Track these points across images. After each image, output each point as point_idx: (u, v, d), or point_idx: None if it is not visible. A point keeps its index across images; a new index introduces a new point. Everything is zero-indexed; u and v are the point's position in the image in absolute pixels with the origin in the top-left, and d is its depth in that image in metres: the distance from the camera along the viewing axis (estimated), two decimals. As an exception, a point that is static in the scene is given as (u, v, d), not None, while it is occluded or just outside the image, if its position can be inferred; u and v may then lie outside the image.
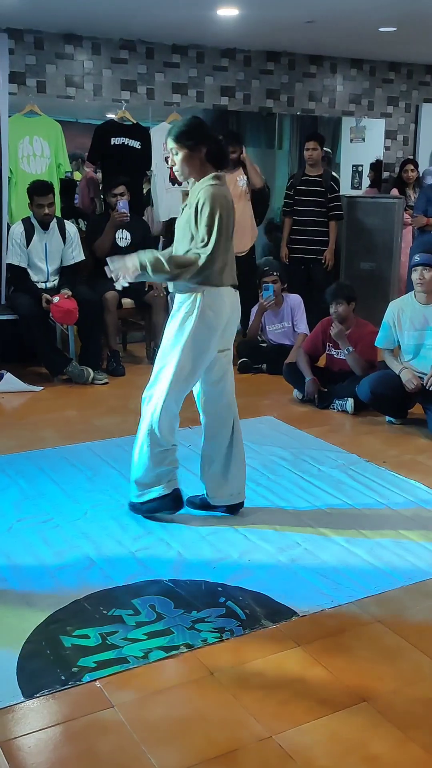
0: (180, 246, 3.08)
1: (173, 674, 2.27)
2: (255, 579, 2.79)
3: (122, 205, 5.68)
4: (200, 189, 3.01)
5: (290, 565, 2.90)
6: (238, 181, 6.41)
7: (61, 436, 4.31)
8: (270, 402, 5.10)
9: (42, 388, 5.25)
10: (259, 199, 6.69)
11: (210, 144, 3.08)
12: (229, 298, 3.12)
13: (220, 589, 2.73)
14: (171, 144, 3.09)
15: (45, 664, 2.29)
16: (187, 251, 3.03)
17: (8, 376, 5.23)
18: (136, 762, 1.93)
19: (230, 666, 2.31)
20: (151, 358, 5.99)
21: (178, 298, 3.10)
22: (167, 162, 6.35)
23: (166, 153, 6.25)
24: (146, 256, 2.96)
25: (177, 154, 3.07)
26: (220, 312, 3.06)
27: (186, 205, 3.09)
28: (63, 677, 2.23)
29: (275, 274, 5.74)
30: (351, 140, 7.32)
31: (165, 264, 2.95)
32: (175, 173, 3.16)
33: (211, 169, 3.07)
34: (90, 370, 5.36)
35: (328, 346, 5.04)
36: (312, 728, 2.04)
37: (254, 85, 6.80)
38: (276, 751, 1.96)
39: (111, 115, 6.50)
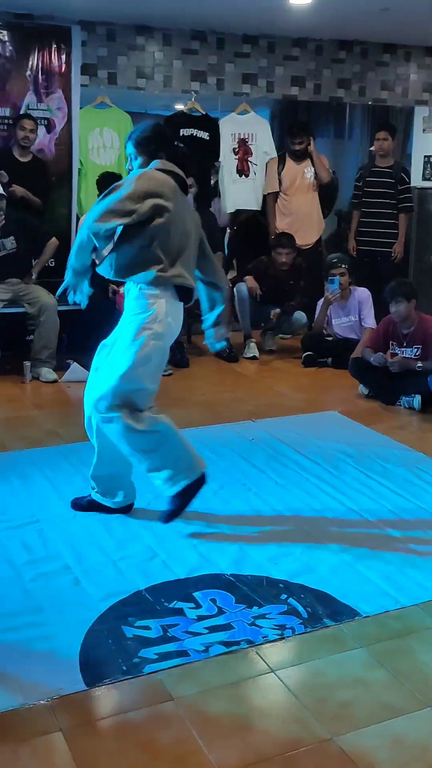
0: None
1: (234, 670, 2.26)
2: (317, 577, 2.76)
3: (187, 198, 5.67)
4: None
5: (353, 564, 2.85)
6: (305, 173, 6.34)
7: (125, 427, 4.33)
8: (335, 397, 5.04)
9: (107, 377, 5.30)
10: (327, 190, 6.61)
11: (169, 152, 3.05)
12: None
13: (281, 585, 2.70)
14: (130, 149, 3.06)
15: (107, 654, 2.30)
16: None
17: (75, 365, 5.30)
18: (194, 756, 1.92)
19: (291, 664, 2.29)
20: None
21: None
22: (235, 153, 6.42)
23: (235, 144, 6.35)
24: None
25: (136, 159, 3.04)
26: None
27: None
28: (124, 667, 2.24)
29: (343, 266, 5.65)
30: (423, 130, 7.14)
31: None
32: None
33: None
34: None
35: (392, 344, 4.93)
36: (374, 732, 2.00)
37: (325, 74, 6.69)
38: (337, 754, 1.93)
39: (180, 106, 6.50)
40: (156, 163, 2.98)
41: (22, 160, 5.47)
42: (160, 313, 2.93)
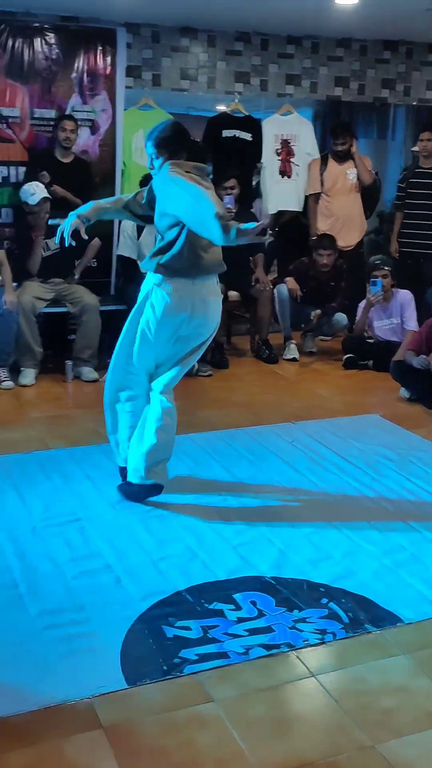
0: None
1: (274, 673, 2.25)
2: (358, 581, 2.74)
3: (228, 200, 5.68)
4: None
5: (395, 569, 2.83)
6: (347, 174, 6.29)
7: (165, 427, 4.35)
8: (376, 400, 5.00)
9: (147, 377, 5.32)
10: (369, 191, 6.55)
11: (189, 151, 3.12)
12: None
13: (322, 589, 2.69)
14: (150, 149, 3.11)
15: (148, 653, 2.32)
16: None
17: (115, 365, 5.33)
18: (235, 758, 1.92)
19: (332, 669, 2.27)
20: (255, 351, 5.99)
21: None
22: (278, 154, 6.40)
23: (277, 145, 6.33)
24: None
25: (157, 158, 3.10)
26: None
27: None
28: (165, 667, 2.25)
29: (386, 268, 5.60)
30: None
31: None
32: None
33: None
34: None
35: (437, 346, 4.88)
36: (417, 740, 1.98)
37: (369, 75, 6.65)
38: (378, 761, 1.91)
39: (222, 107, 6.51)
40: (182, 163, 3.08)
41: (63, 160, 5.53)
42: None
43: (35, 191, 5.18)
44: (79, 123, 5.58)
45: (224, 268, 3.24)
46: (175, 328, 3.17)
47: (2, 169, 5.52)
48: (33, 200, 5.17)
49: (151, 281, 3.21)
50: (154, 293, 3.17)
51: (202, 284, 3.17)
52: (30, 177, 5.41)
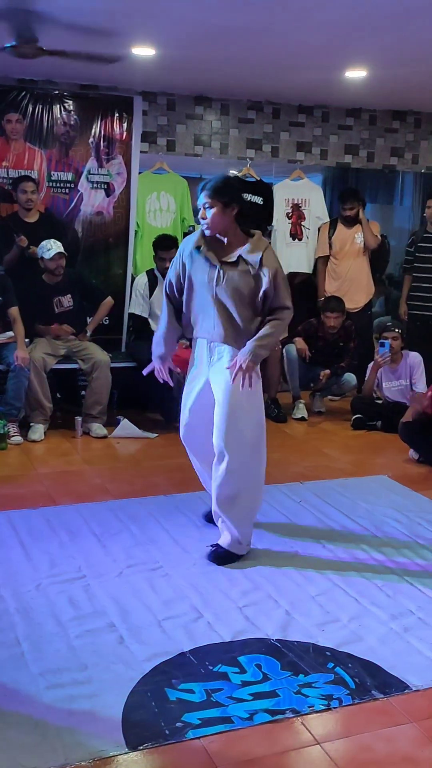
0: (242, 309, 3.21)
1: (279, 740, 2.20)
2: (365, 646, 2.70)
3: None
4: (262, 253, 3.18)
5: (403, 635, 2.78)
6: (355, 238, 6.41)
7: (173, 484, 4.36)
8: (384, 460, 4.98)
9: (156, 435, 5.35)
10: (379, 253, 6.66)
11: (241, 204, 3.21)
12: None
13: (328, 653, 2.65)
14: (205, 199, 3.16)
15: (150, 716, 2.27)
16: (255, 314, 3.22)
17: (125, 422, 5.37)
18: None
19: (338, 737, 2.22)
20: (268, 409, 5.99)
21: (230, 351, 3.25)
22: (289, 218, 6.54)
23: (288, 209, 6.47)
24: (250, 350, 3.17)
25: (210, 208, 3.15)
26: None
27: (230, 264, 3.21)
28: (167, 731, 2.21)
29: (397, 330, 5.64)
30: None
31: (266, 345, 3.21)
32: (203, 227, 3.24)
33: (238, 228, 3.22)
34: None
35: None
36: None
37: (378, 143, 6.83)
38: None
39: (234, 172, 6.68)
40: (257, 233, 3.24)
41: (28, 220, 5.55)
42: None
43: (51, 247, 5.30)
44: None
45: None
46: None
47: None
48: (48, 255, 5.29)
49: None
50: None
51: None
52: (1, 240, 5.51)
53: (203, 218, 3.20)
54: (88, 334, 5.56)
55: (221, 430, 3.25)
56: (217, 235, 3.23)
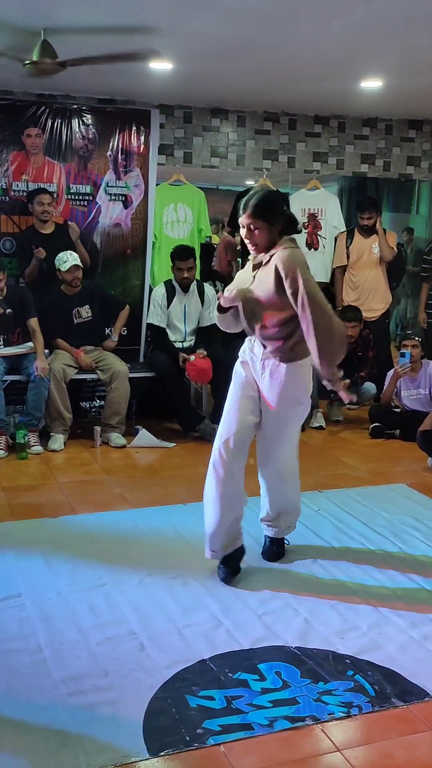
0: (274, 311, 3.10)
1: (298, 746, 2.21)
2: (385, 654, 2.70)
3: None
4: (279, 257, 3.02)
5: (422, 643, 2.78)
6: (372, 248, 6.42)
7: (191, 493, 4.37)
8: (403, 469, 4.97)
9: (174, 444, 5.38)
10: (396, 262, 6.66)
11: (285, 217, 3.09)
12: None
13: (348, 661, 2.65)
14: (248, 220, 3.03)
15: (170, 723, 2.29)
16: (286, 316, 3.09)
17: (143, 431, 5.40)
18: None
19: (358, 744, 2.23)
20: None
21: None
22: (305, 228, 6.55)
23: (304, 219, 6.50)
24: (330, 371, 3.07)
25: (255, 229, 3.04)
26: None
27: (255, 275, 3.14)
28: (188, 738, 2.22)
29: (417, 339, 5.64)
30: None
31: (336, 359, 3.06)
32: (248, 247, 3.13)
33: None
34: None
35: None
36: None
37: (395, 152, 6.85)
38: None
39: (251, 182, 6.73)
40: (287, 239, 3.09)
41: (44, 232, 5.61)
42: None
43: (67, 259, 5.37)
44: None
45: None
46: None
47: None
48: (64, 267, 5.35)
49: None
50: None
51: None
52: (20, 252, 5.60)
53: (247, 238, 3.08)
54: (114, 338, 5.62)
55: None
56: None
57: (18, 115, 5.61)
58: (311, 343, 3.02)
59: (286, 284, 3.00)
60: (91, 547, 3.59)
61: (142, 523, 3.89)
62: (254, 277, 3.16)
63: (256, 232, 3.05)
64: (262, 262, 3.13)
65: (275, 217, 3.05)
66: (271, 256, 3.08)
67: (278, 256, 3.02)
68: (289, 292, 3.01)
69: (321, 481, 4.66)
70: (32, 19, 4.11)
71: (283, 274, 3.00)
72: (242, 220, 3.09)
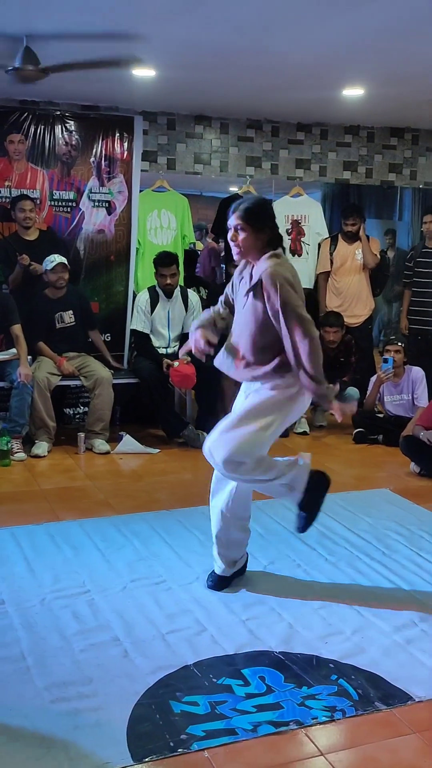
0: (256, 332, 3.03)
1: (283, 751, 2.21)
2: (368, 658, 2.71)
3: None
4: (263, 270, 2.93)
5: (405, 647, 2.79)
6: (356, 255, 6.46)
7: (175, 499, 4.38)
8: (386, 474, 5.00)
9: (159, 450, 5.37)
10: (379, 268, 6.70)
11: (274, 229, 3.02)
12: None
13: (331, 665, 2.66)
14: (236, 221, 2.98)
15: (154, 729, 2.29)
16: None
17: (127, 437, 5.40)
18: None
19: (342, 748, 2.23)
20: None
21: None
22: (288, 234, 6.58)
23: (288, 225, 6.53)
24: (325, 390, 3.09)
25: (241, 231, 2.98)
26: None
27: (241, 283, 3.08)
28: (172, 743, 2.22)
29: (400, 345, 5.67)
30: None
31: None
32: (232, 250, 3.06)
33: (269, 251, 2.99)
34: (206, 434, 5.43)
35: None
36: None
37: (377, 159, 6.90)
38: None
39: (234, 189, 6.76)
40: (278, 250, 3.01)
41: (28, 238, 5.60)
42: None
43: (54, 259, 5.37)
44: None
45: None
46: None
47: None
48: (50, 266, 5.36)
49: None
50: None
51: None
52: (4, 259, 5.57)
53: (232, 240, 3.01)
54: (111, 362, 5.70)
55: None
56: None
57: (0, 122, 5.60)
58: (298, 363, 2.96)
59: (269, 305, 2.93)
60: (74, 553, 3.58)
61: (126, 529, 3.88)
62: (246, 296, 3.04)
63: (241, 235, 2.99)
64: (244, 276, 3.06)
65: (262, 225, 2.99)
66: (258, 275, 2.96)
67: (265, 273, 2.92)
68: (270, 313, 2.94)
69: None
70: (15, 25, 4.12)
71: (267, 293, 2.92)
72: (231, 220, 3.04)
